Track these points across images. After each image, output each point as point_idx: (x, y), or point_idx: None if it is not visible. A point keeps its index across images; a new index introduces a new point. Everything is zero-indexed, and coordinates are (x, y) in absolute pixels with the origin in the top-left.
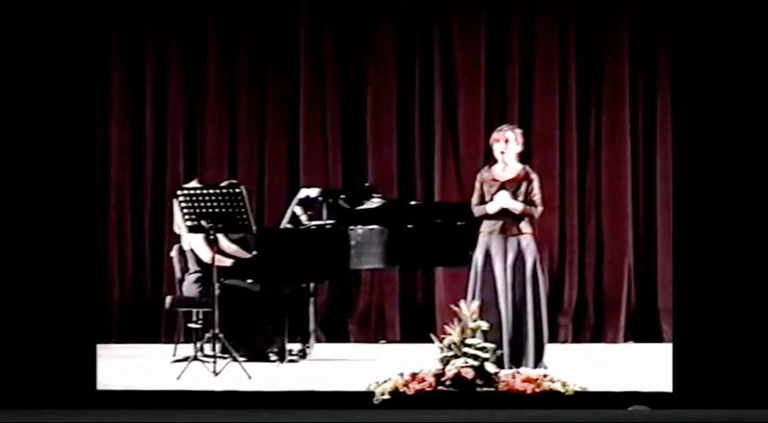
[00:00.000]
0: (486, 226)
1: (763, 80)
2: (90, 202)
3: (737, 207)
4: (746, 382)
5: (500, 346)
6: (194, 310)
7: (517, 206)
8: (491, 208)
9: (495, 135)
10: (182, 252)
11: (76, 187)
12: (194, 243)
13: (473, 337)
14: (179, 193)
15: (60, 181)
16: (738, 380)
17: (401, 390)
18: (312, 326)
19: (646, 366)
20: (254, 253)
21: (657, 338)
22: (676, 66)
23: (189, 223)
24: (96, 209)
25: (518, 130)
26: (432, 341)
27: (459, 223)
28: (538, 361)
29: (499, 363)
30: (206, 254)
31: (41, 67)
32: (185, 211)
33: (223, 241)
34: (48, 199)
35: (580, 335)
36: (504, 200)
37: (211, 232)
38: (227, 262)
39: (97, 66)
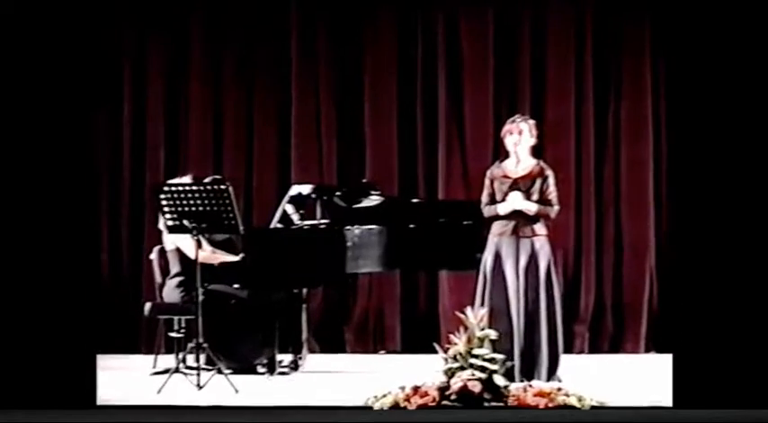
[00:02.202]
0: (496, 227)
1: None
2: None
3: (738, 207)
4: (749, 389)
5: (510, 357)
6: (176, 318)
7: (531, 207)
8: (502, 209)
9: (507, 127)
10: (162, 254)
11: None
12: (181, 240)
13: (481, 346)
14: (164, 188)
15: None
16: (742, 387)
17: (402, 404)
18: (305, 335)
19: (669, 379)
20: (242, 255)
21: None
22: (677, 63)
23: (170, 223)
24: (97, 209)
25: (531, 122)
26: (435, 351)
27: (465, 223)
28: (551, 373)
29: (509, 375)
30: (194, 252)
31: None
32: (166, 209)
33: (206, 246)
34: (47, 198)
35: (598, 344)
36: (517, 201)
37: (194, 233)
38: (221, 258)
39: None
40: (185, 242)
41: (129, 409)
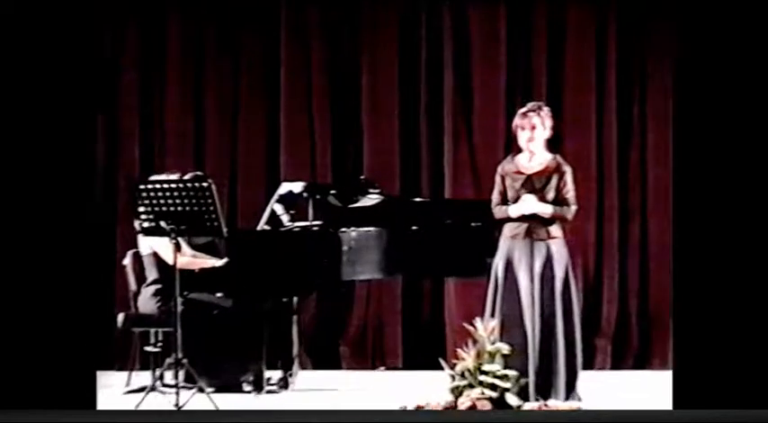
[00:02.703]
0: (508, 229)
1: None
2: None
3: (741, 208)
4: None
5: (524, 374)
6: (152, 330)
7: (547, 210)
8: (514, 212)
9: (517, 120)
10: (137, 259)
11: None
12: (158, 244)
13: (491, 362)
14: (140, 186)
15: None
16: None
17: None
18: (296, 349)
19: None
20: (225, 260)
21: None
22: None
23: (145, 224)
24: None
25: (545, 111)
26: (441, 367)
27: (474, 224)
28: (570, 391)
29: (523, 393)
30: (172, 257)
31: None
32: (141, 208)
33: (186, 250)
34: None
35: (621, 360)
36: (530, 205)
37: (172, 235)
38: (203, 263)
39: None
40: (163, 246)
41: (129, 413)
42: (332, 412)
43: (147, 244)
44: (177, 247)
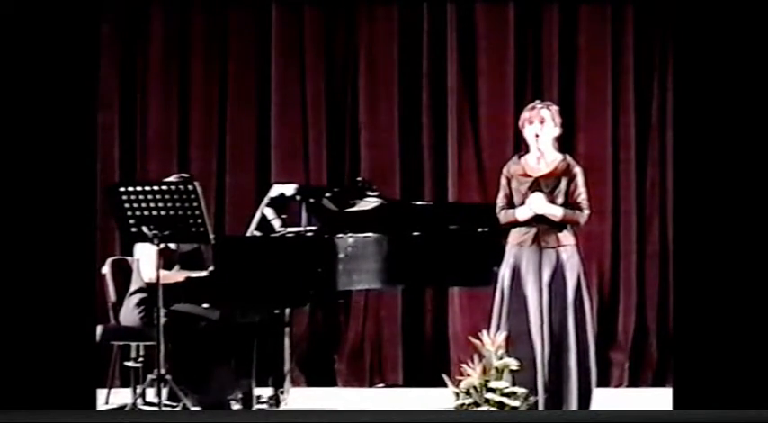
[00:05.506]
0: (515, 235)
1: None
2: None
3: (736, 205)
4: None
5: (534, 391)
6: (134, 344)
7: (556, 212)
8: (521, 214)
9: (525, 114)
10: (117, 267)
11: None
12: (143, 253)
13: (499, 378)
14: (120, 189)
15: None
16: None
17: None
18: (287, 365)
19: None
20: (211, 269)
21: None
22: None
23: (129, 229)
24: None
25: (554, 108)
26: (444, 384)
27: (480, 230)
28: (583, 410)
29: None
30: (151, 272)
31: None
32: (124, 213)
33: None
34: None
35: (639, 376)
36: (538, 205)
37: (155, 241)
38: (180, 277)
39: None
40: (147, 259)
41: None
42: (332, 412)
43: (140, 249)
44: (163, 255)
